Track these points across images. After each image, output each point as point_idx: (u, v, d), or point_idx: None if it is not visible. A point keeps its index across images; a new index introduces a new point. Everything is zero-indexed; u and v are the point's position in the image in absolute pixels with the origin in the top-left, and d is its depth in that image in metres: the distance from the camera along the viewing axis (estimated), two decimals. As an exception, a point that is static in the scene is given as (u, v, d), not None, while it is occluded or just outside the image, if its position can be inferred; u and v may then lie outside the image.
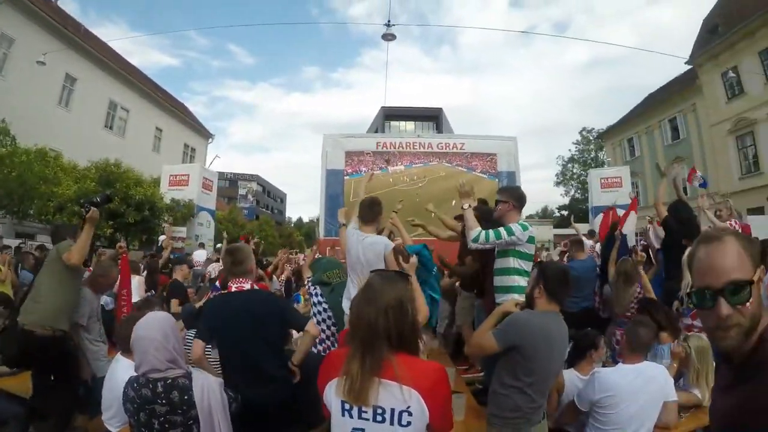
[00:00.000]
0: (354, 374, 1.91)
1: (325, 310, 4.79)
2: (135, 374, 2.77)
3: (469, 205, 4.53)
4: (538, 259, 7.58)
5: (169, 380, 2.69)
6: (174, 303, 6.96)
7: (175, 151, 35.74)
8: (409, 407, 1.90)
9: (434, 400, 1.94)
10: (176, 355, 2.76)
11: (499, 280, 4.41)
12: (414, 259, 3.80)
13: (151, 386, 2.66)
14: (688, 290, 1.53)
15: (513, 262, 4.31)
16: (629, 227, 6.92)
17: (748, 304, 1.35)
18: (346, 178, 14.97)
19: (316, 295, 4.88)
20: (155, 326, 2.74)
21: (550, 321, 3.07)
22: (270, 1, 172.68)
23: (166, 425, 2.67)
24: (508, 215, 4.46)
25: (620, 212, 15.97)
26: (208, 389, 2.81)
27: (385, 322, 1.96)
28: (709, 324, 1.42)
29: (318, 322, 4.60)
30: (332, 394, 2.00)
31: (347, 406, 1.95)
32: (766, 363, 1.31)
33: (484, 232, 4.29)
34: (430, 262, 4.50)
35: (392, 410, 1.91)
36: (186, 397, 2.69)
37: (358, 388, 1.90)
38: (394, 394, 1.90)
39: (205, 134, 41.29)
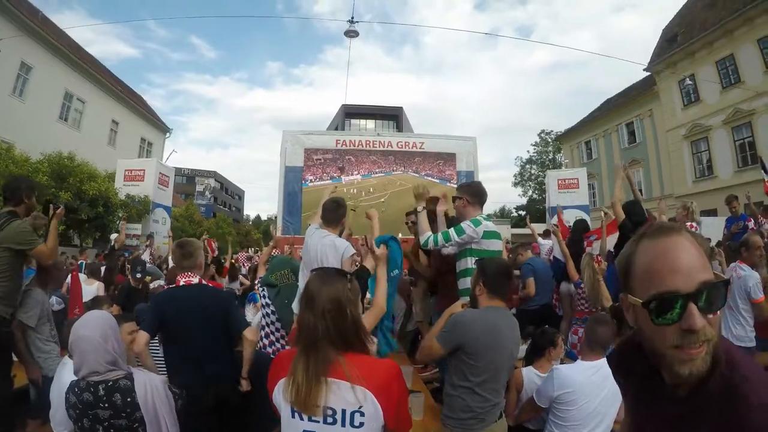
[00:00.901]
0: (299, 381, 1.86)
1: (273, 312, 4.60)
2: (75, 378, 2.64)
3: (423, 208, 4.45)
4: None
5: (111, 382, 2.57)
6: (114, 308, 6.70)
7: (131, 145, 34.88)
8: (361, 407, 1.85)
9: (388, 399, 1.88)
10: (116, 355, 2.63)
11: (460, 283, 4.30)
12: (383, 249, 3.73)
13: (92, 390, 2.54)
14: (643, 300, 1.13)
15: (470, 263, 4.14)
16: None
17: (719, 312, 1.11)
18: (304, 186, 14.96)
19: (264, 296, 4.72)
20: (94, 326, 2.61)
21: (495, 317, 3.04)
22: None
23: (111, 430, 2.55)
24: (464, 212, 4.37)
25: (576, 212, 16.29)
26: (152, 388, 2.70)
27: (324, 325, 1.92)
28: (669, 343, 1.11)
29: (267, 324, 4.49)
30: (280, 399, 1.95)
31: (296, 408, 1.89)
32: (731, 393, 1.05)
33: (433, 235, 4.22)
34: (397, 255, 4.37)
35: (343, 411, 1.86)
36: (129, 399, 2.57)
37: (303, 396, 1.85)
38: (344, 394, 1.85)
39: (163, 128, 40.44)
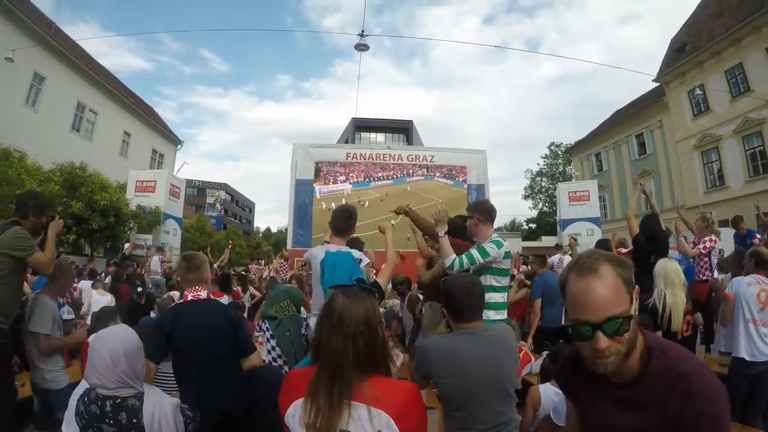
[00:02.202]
0: (321, 405, 1.75)
1: (274, 347, 4.43)
2: (88, 386, 2.62)
3: (444, 233, 4.38)
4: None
5: (119, 400, 2.53)
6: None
7: (142, 156, 35.12)
8: None
9: (407, 423, 1.78)
10: (127, 379, 2.56)
11: None
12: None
13: (99, 403, 2.51)
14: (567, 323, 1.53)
15: (490, 280, 4.18)
16: None
17: (626, 334, 1.44)
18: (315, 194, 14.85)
19: (267, 330, 4.61)
20: (108, 345, 2.56)
21: (456, 343, 2.85)
22: (245, 8, 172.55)
23: None
24: (477, 230, 4.41)
25: (587, 225, 16.24)
26: (161, 412, 2.63)
27: (355, 349, 1.81)
28: (586, 352, 1.48)
29: (272, 360, 4.35)
30: (295, 422, 1.84)
31: None
32: (671, 369, 1.43)
33: (458, 258, 4.17)
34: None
35: None
36: (134, 420, 2.52)
37: (325, 422, 1.74)
38: (362, 418, 1.74)
39: (174, 140, 40.64)
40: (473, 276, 3.38)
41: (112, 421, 2.51)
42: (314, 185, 15.10)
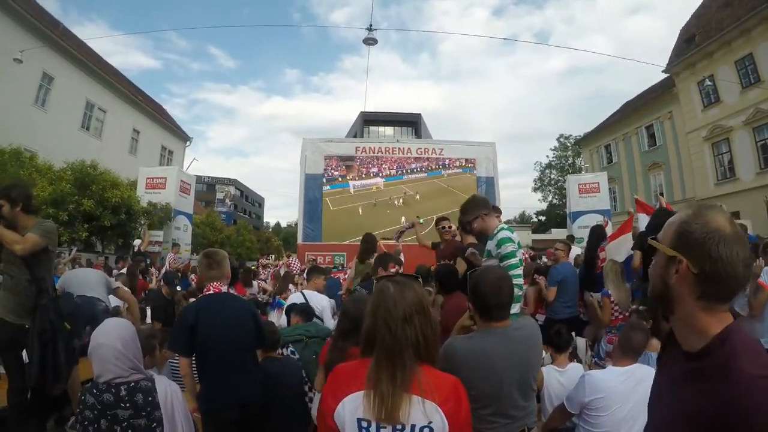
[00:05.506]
0: (384, 391, 1.74)
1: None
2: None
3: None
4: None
5: (132, 383, 2.62)
6: (156, 325, 6.60)
7: (152, 153, 35.24)
8: (430, 423, 1.75)
9: (456, 416, 1.79)
10: (137, 363, 2.69)
11: None
12: None
13: (113, 391, 2.58)
14: None
15: None
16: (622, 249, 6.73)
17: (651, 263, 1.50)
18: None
19: (293, 353, 4.42)
20: (114, 334, 2.66)
21: (487, 342, 2.76)
22: (251, 4, 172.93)
23: (129, 430, 2.58)
24: (487, 226, 4.25)
25: (597, 217, 16.14)
26: (173, 393, 2.78)
27: (413, 330, 1.82)
28: None
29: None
30: (346, 412, 1.79)
31: (364, 424, 1.76)
32: (724, 370, 1.22)
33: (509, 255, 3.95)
34: None
35: (413, 426, 1.75)
36: (150, 399, 2.63)
37: (390, 407, 1.72)
38: (416, 408, 1.75)
39: (183, 137, 40.81)
40: (503, 271, 3.29)
41: (128, 404, 2.58)
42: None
